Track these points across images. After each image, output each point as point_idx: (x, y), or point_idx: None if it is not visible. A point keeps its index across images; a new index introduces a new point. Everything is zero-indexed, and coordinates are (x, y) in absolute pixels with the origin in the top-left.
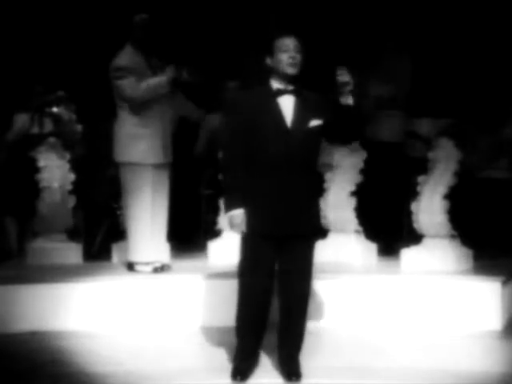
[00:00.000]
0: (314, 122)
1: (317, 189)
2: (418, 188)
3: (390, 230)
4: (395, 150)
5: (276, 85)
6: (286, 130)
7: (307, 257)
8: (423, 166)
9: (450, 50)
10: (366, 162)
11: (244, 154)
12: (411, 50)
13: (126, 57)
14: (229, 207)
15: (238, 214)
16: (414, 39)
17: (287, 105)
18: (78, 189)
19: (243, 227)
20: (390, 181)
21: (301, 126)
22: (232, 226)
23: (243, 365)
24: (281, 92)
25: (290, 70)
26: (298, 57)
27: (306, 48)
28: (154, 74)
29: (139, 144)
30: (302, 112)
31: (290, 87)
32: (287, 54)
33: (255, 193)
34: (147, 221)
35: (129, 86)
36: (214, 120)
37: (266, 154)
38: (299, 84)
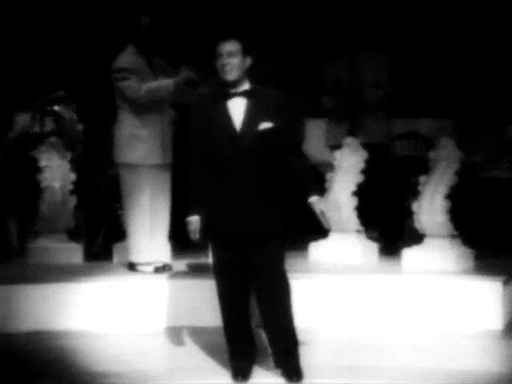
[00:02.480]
0: (264, 125)
1: (277, 190)
2: (420, 188)
3: (391, 230)
4: (381, 150)
5: (228, 88)
6: (235, 133)
7: (272, 257)
8: (424, 166)
9: (453, 49)
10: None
11: (203, 161)
12: (389, 52)
13: (127, 58)
14: (187, 214)
15: (192, 220)
16: (416, 40)
17: (238, 107)
18: (79, 189)
19: (197, 234)
20: (381, 182)
21: (250, 128)
22: (188, 232)
23: (241, 364)
24: (231, 95)
25: (226, 76)
26: (234, 61)
27: (251, 48)
28: (155, 75)
29: (138, 145)
30: (252, 114)
31: (241, 89)
32: (220, 60)
33: (212, 197)
34: (146, 221)
35: (131, 87)
36: None
37: (219, 158)
38: (254, 84)
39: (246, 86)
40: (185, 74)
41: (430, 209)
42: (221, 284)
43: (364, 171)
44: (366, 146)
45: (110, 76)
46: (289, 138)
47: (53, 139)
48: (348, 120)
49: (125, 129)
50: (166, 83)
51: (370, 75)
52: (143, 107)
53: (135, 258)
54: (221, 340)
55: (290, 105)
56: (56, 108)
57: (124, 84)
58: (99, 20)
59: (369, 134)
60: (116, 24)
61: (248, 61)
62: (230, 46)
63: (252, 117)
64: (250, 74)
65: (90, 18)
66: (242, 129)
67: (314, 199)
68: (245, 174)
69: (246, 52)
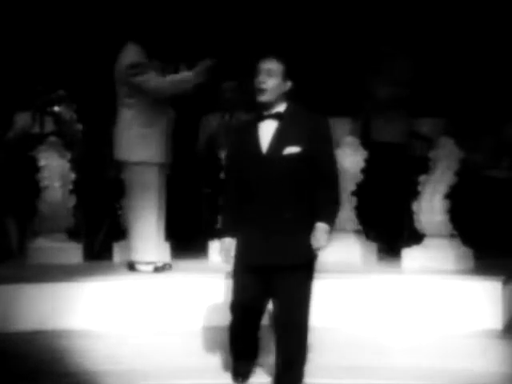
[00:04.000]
0: (290, 149)
1: (305, 217)
2: (419, 187)
3: (390, 230)
4: (398, 150)
5: (262, 109)
6: (261, 156)
7: (297, 288)
8: (424, 166)
9: (453, 49)
10: (369, 162)
11: (236, 183)
12: (411, 52)
13: (136, 53)
14: (221, 234)
15: (225, 242)
16: (416, 40)
17: (268, 130)
18: (78, 188)
19: (227, 257)
20: (393, 181)
21: (276, 152)
22: (220, 252)
23: (242, 366)
24: (263, 117)
25: (259, 97)
26: (270, 81)
27: (292, 69)
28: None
29: (149, 144)
30: (280, 138)
31: (275, 111)
32: (258, 77)
33: (241, 221)
34: (153, 220)
35: (153, 79)
36: (213, 120)
37: (246, 182)
38: (293, 105)
39: (280, 108)
40: (202, 64)
41: (430, 208)
42: (237, 301)
43: (367, 170)
44: (384, 144)
45: (121, 74)
46: (320, 164)
47: (53, 139)
48: (362, 119)
49: (134, 128)
50: (188, 75)
51: (388, 74)
52: (155, 104)
53: (136, 257)
54: (219, 340)
55: (329, 128)
56: (56, 108)
57: (143, 78)
58: (98, 20)
59: (386, 134)
60: (115, 24)
61: (288, 84)
62: (272, 65)
63: (279, 140)
64: (288, 96)
65: (90, 18)
66: (267, 152)
67: (319, 225)
68: (271, 199)
69: (287, 75)
